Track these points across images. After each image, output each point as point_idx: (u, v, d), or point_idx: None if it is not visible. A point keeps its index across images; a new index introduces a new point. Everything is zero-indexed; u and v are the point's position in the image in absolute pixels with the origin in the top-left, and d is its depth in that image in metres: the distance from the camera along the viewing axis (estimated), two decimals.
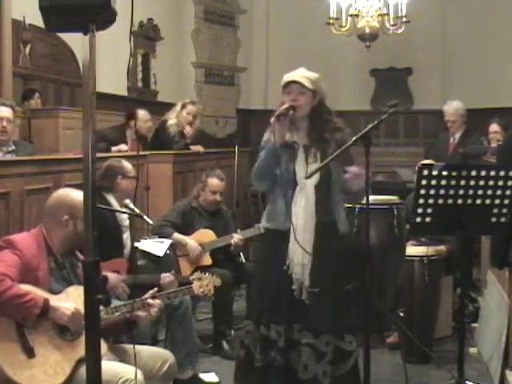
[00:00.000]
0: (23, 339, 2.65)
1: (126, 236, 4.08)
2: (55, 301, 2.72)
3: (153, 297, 3.04)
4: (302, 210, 3.28)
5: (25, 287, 2.68)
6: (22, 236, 2.91)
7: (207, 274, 3.96)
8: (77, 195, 2.90)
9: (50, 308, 2.68)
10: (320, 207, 3.30)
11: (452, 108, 6.31)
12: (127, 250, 4.06)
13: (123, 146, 5.71)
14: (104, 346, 2.71)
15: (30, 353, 2.64)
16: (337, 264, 3.31)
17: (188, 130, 6.36)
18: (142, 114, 5.97)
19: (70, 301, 2.75)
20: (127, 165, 4.12)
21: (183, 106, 6.35)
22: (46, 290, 2.77)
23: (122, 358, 2.93)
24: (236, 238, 4.90)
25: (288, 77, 3.36)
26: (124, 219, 4.08)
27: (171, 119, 6.33)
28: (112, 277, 3.64)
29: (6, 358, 2.58)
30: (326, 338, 3.26)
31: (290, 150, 3.33)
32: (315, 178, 3.28)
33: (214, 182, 4.93)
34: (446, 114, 6.36)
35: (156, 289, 3.12)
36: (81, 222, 2.83)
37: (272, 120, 3.26)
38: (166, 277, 3.95)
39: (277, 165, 3.31)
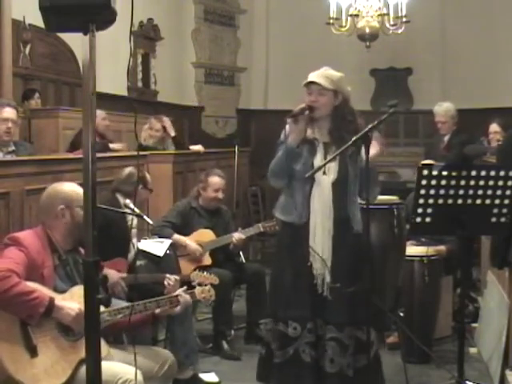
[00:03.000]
0: (27, 338, 2.64)
1: (133, 241, 4.10)
2: (60, 300, 2.72)
3: (157, 303, 3.05)
4: (320, 207, 3.32)
5: (31, 285, 2.68)
6: (26, 233, 2.91)
7: (205, 273, 3.97)
8: (68, 186, 2.97)
9: (54, 307, 2.68)
10: (336, 204, 3.34)
11: (442, 109, 6.16)
12: (131, 255, 4.07)
13: (118, 145, 5.69)
14: (105, 348, 2.72)
15: (33, 352, 2.64)
16: (353, 260, 3.36)
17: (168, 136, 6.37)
18: (98, 113, 5.74)
19: (75, 301, 2.75)
20: (148, 176, 4.30)
21: (150, 124, 6.30)
22: (51, 288, 2.77)
23: (122, 358, 2.93)
24: (236, 237, 4.90)
25: (309, 77, 3.39)
26: (133, 224, 4.11)
27: (144, 137, 6.23)
28: (112, 274, 3.62)
29: (9, 357, 2.58)
30: (349, 330, 3.32)
31: (309, 146, 3.37)
32: (333, 176, 3.33)
33: (215, 179, 4.95)
34: (436, 115, 6.20)
35: (162, 297, 3.13)
36: (77, 210, 2.85)
37: (288, 120, 3.31)
38: (172, 279, 3.76)
39: (295, 162, 3.34)
